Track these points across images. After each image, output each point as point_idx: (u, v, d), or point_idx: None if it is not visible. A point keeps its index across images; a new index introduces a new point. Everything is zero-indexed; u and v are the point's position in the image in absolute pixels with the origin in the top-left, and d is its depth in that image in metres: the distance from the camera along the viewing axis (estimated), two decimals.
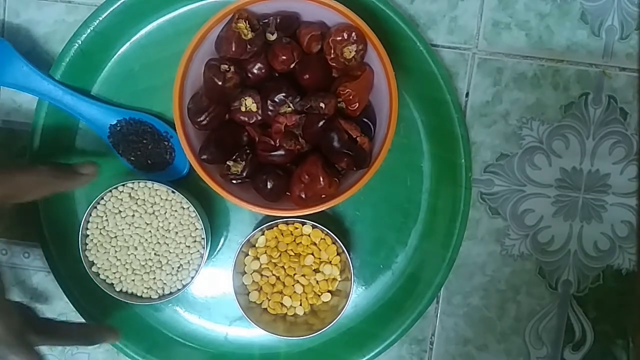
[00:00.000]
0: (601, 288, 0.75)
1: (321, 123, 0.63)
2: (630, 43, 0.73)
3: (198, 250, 0.70)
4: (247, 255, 0.72)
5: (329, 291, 0.72)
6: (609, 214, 0.74)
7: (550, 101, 0.74)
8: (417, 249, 0.74)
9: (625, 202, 0.74)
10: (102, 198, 0.69)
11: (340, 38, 0.63)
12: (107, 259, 0.69)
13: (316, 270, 0.71)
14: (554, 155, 0.74)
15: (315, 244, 0.71)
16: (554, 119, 0.74)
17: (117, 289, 0.70)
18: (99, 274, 0.70)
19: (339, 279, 0.72)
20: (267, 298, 0.72)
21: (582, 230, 0.74)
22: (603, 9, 0.73)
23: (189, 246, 0.70)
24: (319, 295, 0.72)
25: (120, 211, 0.69)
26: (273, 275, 0.72)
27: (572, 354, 0.75)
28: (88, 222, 0.69)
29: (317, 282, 0.71)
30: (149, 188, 0.69)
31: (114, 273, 0.70)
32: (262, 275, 0.72)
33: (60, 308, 0.76)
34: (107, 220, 0.69)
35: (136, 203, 0.69)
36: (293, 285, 0.71)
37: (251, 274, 0.71)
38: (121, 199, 0.69)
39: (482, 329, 0.75)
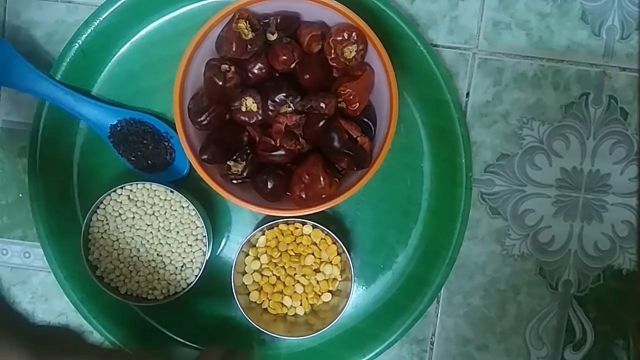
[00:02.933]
0: (601, 288, 0.75)
1: (321, 123, 0.63)
2: (630, 43, 0.73)
3: (200, 249, 0.70)
4: (248, 255, 0.72)
5: (329, 291, 0.72)
6: (610, 214, 0.74)
7: (550, 101, 0.74)
8: (417, 249, 0.74)
9: (626, 202, 0.74)
10: (102, 202, 0.69)
11: (340, 38, 0.63)
12: (110, 262, 0.69)
13: (316, 270, 0.71)
14: (555, 155, 0.74)
15: (315, 244, 0.71)
16: (555, 119, 0.74)
17: (122, 292, 0.70)
18: (103, 278, 0.70)
19: (340, 279, 0.72)
20: (268, 298, 0.72)
21: (582, 230, 0.74)
22: (603, 9, 0.73)
23: (190, 245, 0.70)
24: (319, 295, 0.72)
25: (120, 214, 0.69)
26: (273, 275, 0.72)
27: (573, 354, 0.75)
28: (89, 226, 0.69)
29: (318, 282, 0.71)
30: (147, 189, 0.69)
31: (118, 276, 0.70)
32: (262, 275, 0.72)
33: (61, 308, 0.76)
34: (107, 223, 0.69)
35: (135, 205, 0.69)
36: (293, 285, 0.71)
37: (251, 273, 0.71)
38: (120, 202, 0.69)
39: (483, 329, 0.75)
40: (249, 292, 0.72)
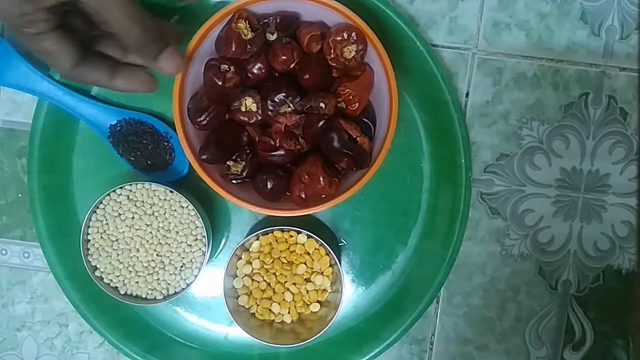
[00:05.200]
0: (601, 288, 0.75)
1: (321, 123, 0.63)
2: (630, 43, 0.73)
3: (200, 249, 0.70)
4: (240, 258, 0.71)
5: (318, 302, 0.72)
6: (609, 214, 0.74)
7: (550, 101, 0.74)
8: (417, 249, 0.74)
9: (625, 202, 0.74)
10: (101, 202, 0.69)
11: (340, 38, 0.63)
12: (110, 262, 0.69)
13: (307, 280, 0.71)
14: (554, 155, 0.74)
15: (308, 253, 0.71)
16: (554, 119, 0.74)
17: (122, 292, 0.70)
18: (103, 278, 0.70)
19: (330, 291, 0.72)
20: (256, 303, 0.72)
21: (582, 230, 0.74)
22: (603, 9, 0.73)
23: (190, 245, 0.70)
24: (307, 305, 0.72)
25: (119, 214, 0.69)
26: (264, 280, 0.71)
27: (572, 354, 0.75)
28: (88, 226, 0.69)
29: (307, 291, 0.71)
30: (147, 189, 0.69)
31: (118, 276, 0.70)
32: (253, 279, 0.71)
33: (60, 308, 0.76)
34: (107, 224, 0.69)
35: (135, 205, 0.69)
36: (283, 293, 0.71)
37: (242, 277, 0.71)
38: (120, 202, 0.69)
39: (482, 329, 0.75)
40: (238, 296, 0.71)
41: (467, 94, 0.74)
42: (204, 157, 0.65)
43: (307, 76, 0.64)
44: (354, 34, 0.63)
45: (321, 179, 0.63)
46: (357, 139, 0.63)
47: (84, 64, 0.60)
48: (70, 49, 0.59)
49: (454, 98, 0.71)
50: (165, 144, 0.72)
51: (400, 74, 0.67)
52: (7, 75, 0.70)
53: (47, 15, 0.57)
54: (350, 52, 0.64)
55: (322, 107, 0.63)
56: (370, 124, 0.67)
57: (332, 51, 0.64)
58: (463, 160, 0.72)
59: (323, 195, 0.64)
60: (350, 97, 0.64)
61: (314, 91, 0.64)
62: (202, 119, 0.65)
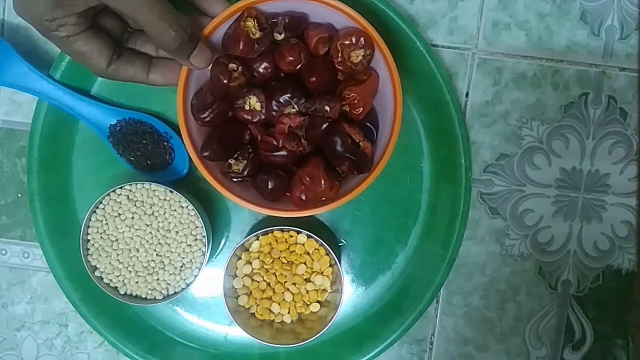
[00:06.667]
0: (601, 288, 0.75)
1: (325, 126, 0.62)
2: (630, 43, 0.73)
3: (200, 249, 0.70)
4: (240, 258, 0.71)
5: (318, 302, 0.72)
6: (609, 214, 0.74)
7: (550, 101, 0.74)
8: (417, 249, 0.74)
9: (625, 202, 0.74)
10: (101, 202, 0.69)
11: (348, 42, 0.63)
12: (110, 262, 0.69)
13: (307, 280, 0.71)
14: (554, 155, 0.74)
15: (308, 253, 0.71)
16: (554, 119, 0.74)
17: (122, 292, 0.70)
18: (103, 278, 0.70)
19: (329, 291, 0.72)
20: (256, 303, 0.72)
21: (581, 230, 0.74)
22: (603, 9, 0.73)
23: (190, 245, 0.70)
24: (307, 305, 0.72)
25: (119, 214, 0.69)
26: (264, 280, 0.71)
27: (572, 354, 0.75)
28: (88, 227, 0.69)
29: (307, 291, 0.71)
30: (147, 189, 0.69)
31: (117, 276, 0.70)
32: (252, 279, 0.71)
33: (60, 308, 0.76)
34: (107, 224, 0.69)
35: (135, 205, 0.69)
36: (283, 293, 0.71)
37: (242, 277, 0.71)
38: (120, 202, 0.69)
39: (482, 329, 0.75)
40: (238, 296, 0.71)
41: (467, 94, 0.74)
42: (206, 154, 0.64)
43: (314, 79, 0.64)
44: (362, 38, 0.63)
45: (322, 181, 0.63)
46: (360, 143, 0.63)
47: (119, 61, 0.62)
48: (103, 48, 0.60)
49: (453, 98, 0.71)
50: (165, 143, 0.72)
51: (400, 74, 0.67)
52: (7, 75, 0.70)
53: (77, 19, 0.57)
54: (357, 56, 0.64)
55: (326, 110, 0.62)
56: (372, 128, 0.67)
57: (340, 55, 0.64)
58: (463, 160, 0.72)
59: (323, 198, 0.64)
60: (355, 101, 0.63)
61: (319, 94, 0.63)
62: (205, 115, 0.64)
